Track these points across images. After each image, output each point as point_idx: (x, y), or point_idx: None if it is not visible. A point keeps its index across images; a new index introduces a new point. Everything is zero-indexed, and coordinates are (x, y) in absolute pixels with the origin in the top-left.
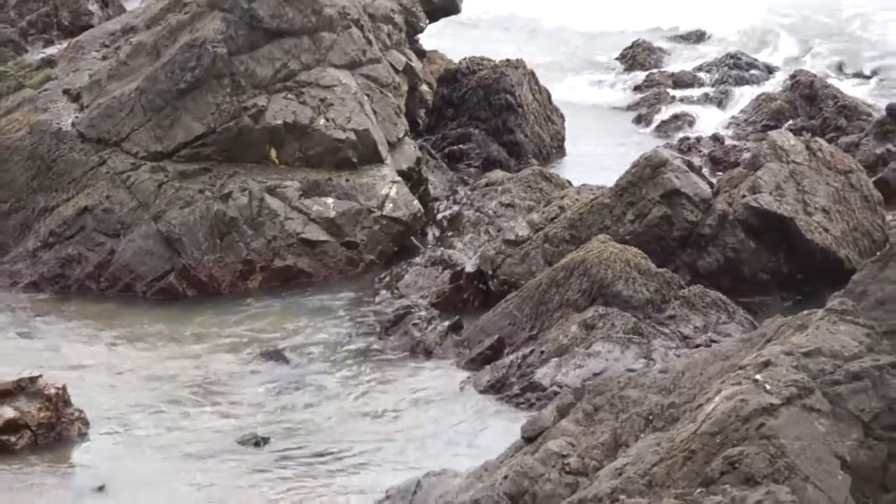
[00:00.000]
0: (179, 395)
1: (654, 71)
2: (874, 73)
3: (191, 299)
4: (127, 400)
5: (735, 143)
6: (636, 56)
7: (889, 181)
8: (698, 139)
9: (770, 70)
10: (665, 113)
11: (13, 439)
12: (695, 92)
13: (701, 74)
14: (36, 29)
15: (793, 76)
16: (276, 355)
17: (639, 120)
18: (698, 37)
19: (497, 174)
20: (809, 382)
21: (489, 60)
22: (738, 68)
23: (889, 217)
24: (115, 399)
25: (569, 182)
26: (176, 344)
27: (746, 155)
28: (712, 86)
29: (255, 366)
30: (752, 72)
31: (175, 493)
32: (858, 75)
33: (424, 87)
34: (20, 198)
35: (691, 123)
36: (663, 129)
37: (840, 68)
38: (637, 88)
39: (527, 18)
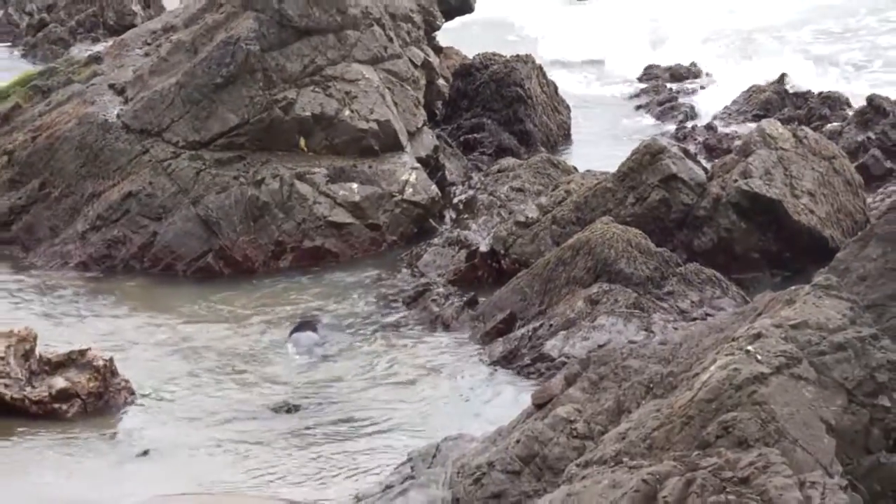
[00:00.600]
0: (217, 365)
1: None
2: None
3: (227, 277)
4: (169, 371)
5: (727, 131)
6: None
7: (869, 166)
8: (693, 128)
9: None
10: (663, 103)
11: (65, 407)
12: (690, 84)
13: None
14: (84, 28)
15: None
16: (307, 327)
17: (638, 109)
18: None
19: (508, 161)
20: (797, 353)
21: (501, 56)
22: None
23: (869, 199)
24: (158, 370)
25: (574, 168)
26: (214, 319)
27: (738, 142)
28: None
29: (286, 338)
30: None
31: (214, 457)
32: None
33: (441, 81)
34: (70, 184)
35: (687, 113)
36: (662, 118)
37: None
38: (637, 80)
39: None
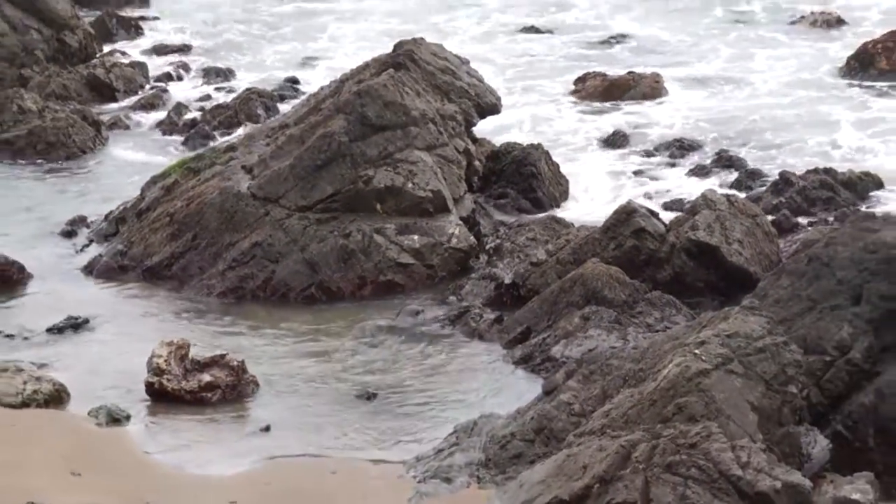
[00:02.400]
0: (319, 364)
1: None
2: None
3: (325, 303)
4: (285, 369)
5: (680, 196)
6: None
7: (781, 222)
8: (656, 192)
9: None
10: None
11: (209, 395)
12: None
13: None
14: (223, 126)
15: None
16: (382, 335)
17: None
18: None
19: (525, 219)
20: (730, 354)
21: (519, 144)
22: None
23: (782, 245)
24: (277, 368)
25: (572, 224)
26: (316, 331)
27: (688, 205)
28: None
29: (367, 344)
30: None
31: (320, 431)
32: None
33: (477, 163)
34: (213, 236)
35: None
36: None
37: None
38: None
39: None
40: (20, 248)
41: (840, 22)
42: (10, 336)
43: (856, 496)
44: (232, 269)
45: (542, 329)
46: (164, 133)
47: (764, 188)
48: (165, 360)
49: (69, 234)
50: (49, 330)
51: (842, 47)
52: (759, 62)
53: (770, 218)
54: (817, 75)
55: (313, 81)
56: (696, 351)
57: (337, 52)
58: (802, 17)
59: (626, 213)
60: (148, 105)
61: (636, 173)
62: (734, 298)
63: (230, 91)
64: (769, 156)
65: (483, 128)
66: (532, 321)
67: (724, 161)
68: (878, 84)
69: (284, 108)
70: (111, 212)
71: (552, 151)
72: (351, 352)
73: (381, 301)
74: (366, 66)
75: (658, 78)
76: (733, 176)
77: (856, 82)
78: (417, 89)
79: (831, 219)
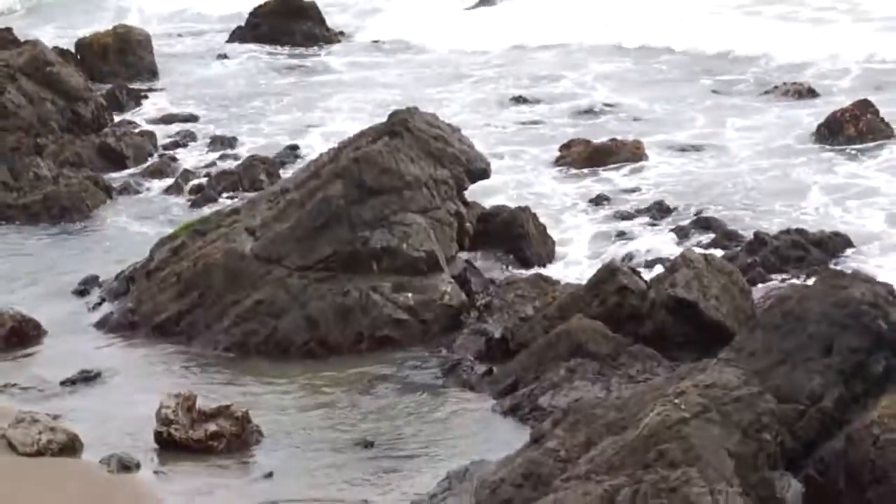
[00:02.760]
0: (318, 415)
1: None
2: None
3: (324, 356)
4: (287, 419)
5: (660, 255)
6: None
7: (755, 279)
8: (637, 252)
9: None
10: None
11: (215, 444)
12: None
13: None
14: (227, 190)
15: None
16: (378, 386)
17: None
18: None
19: (513, 277)
20: (708, 403)
21: (508, 207)
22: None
23: (756, 300)
24: (279, 418)
25: (558, 281)
26: (315, 384)
27: (667, 264)
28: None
29: (364, 395)
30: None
31: (320, 477)
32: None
33: (468, 224)
34: (218, 295)
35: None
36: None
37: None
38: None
39: None
40: (36, 306)
41: (811, 92)
42: (25, 388)
43: None
44: (236, 325)
45: (529, 380)
46: (171, 196)
47: (739, 248)
48: (173, 411)
49: (82, 292)
50: (63, 383)
51: (813, 115)
52: (734, 130)
53: (745, 277)
54: (788, 142)
55: (313, 148)
56: (676, 400)
57: (335, 120)
58: (775, 87)
59: (609, 272)
60: (156, 172)
61: (619, 234)
62: (711, 351)
63: (235, 158)
64: (744, 217)
65: (473, 191)
66: (520, 373)
67: (702, 223)
68: (847, 149)
69: (286, 173)
70: (122, 272)
71: (539, 213)
72: (349, 402)
73: (378, 354)
74: (363, 134)
75: (639, 144)
76: (710, 236)
77: (827, 147)
78: (411, 156)
79: (803, 276)
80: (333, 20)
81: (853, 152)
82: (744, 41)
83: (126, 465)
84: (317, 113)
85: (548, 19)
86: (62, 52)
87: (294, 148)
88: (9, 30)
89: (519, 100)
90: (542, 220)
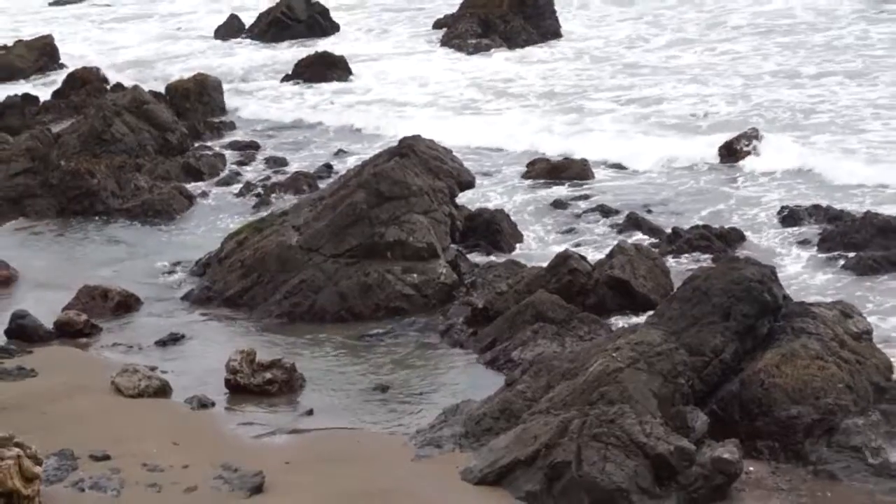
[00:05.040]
0: (348, 366)
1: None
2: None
3: (351, 322)
4: (324, 369)
5: (603, 245)
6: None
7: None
8: (585, 242)
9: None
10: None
11: (270, 388)
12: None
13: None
14: (278, 197)
15: (628, 216)
16: (390, 345)
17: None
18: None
19: (492, 262)
20: (637, 356)
21: (488, 209)
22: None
23: (673, 277)
24: (318, 369)
25: (526, 265)
26: (345, 342)
27: (607, 251)
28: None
29: (380, 351)
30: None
31: (348, 413)
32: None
33: (458, 222)
34: (273, 276)
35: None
36: (570, 235)
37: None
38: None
39: None
40: (136, 284)
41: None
42: (129, 346)
43: (726, 455)
44: (286, 298)
45: (504, 339)
46: (238, 201)
47: (660, 239)
48: (239, 363)
49: (170, 273)
50: (157, 343)
51: (713, 143)
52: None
53: (666, 259)
54: (699, 161)
55: (344, 166)
56: (614, 354)
57: (363, 146)
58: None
59: (563, 258)
60: (225, 183)
61: (570, 230)
62: (640, 317)
63: (284, 173)
64: (665, 217)
65: (462, 197)
66: (497, 334)
67: (633, 221)
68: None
69: (322, 184)
70: (200, 258)
71: (511, 214)
72: (370, 356)
73: (391, 320)
74: (379, 155)
75: (585, 163)
76: (639, 231)
77: (725, 166)
78: (416, 171)
79: (708, 260)
80: (356, 67)
81: (745, 169)
82: None
83: (203, 404)
84: (346, 141)
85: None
86: (155, 94)
87: (329, 166)
88: (114, 77)
89: None
90: (513, 218)
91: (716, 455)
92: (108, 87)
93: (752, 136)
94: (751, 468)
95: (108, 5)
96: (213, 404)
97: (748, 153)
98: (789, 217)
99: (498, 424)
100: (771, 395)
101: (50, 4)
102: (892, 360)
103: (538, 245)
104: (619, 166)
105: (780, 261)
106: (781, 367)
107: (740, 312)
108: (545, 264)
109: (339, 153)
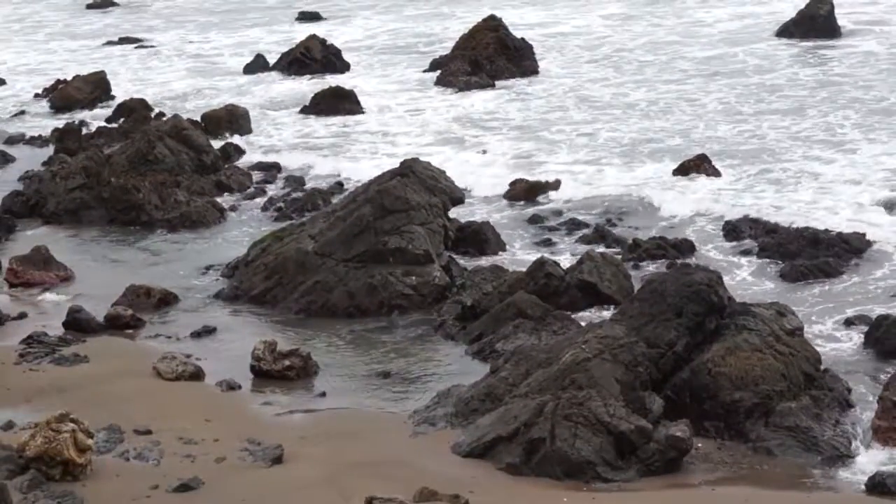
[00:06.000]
0: (356, 355)
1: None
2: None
3: (359, 316)
4: (336, 358)
5: (573, 253)
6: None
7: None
8: (559, 250)
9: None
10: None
11: (289, 373)
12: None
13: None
14: (297, 211)
15: (595, 227)
16: (392, 337)
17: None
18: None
19: (479, 267)
20: (603, 348)
21: (476, 222)
22: (573, 225)
23: (634, 281)
24: (330, 357)
25: (508, 269)
26: (354, 335)
27: (577, 258)
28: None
29: (384, 342)
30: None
31: (356, 395)
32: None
33: (450, 233)
34: (292, 277)
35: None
36: (545, 245)
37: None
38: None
39: None
40: (174, 284)
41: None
42: (168, 337)
43: (679, 434)
44: (303, 297)
45: (489, 333)
46: (262, 214)
47: (622, 249)
48: (262, 352)
49: (204, 275)
50: (192, 334)
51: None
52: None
53: (627, 265)
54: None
55: (352, 184)
56: (583, 346)
57: (369, 168)
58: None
59: (540, 263)
60: (251, 198)
61: (546, 240)
62: (606, 314)
63: (302, 190)
64: (627, 229)
65: (454, 211)
66: (483, 329)
67: (600, 232)
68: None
69: (335, 200)
70: (230, 262)
71: (495, 226)
72: (375, 347)
73: (393, 314)
74: (383, 174)
75: (558, 183)
76: (604, 242)
77: (680, 183)
78: (415, 188)
79: (663, 266)
80: (363, 100)
81: (705, 182)
82: None
83: (232, 387)
84: (359, 163)
85: None
86: (192, 121)
87: (340, 184)
88: (158, 107)
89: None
90: (497, 229)
91: (670, 433)
92: (152, 115)
93: (701, 160)
94: (699, 445)
95: (153, 46)
96: (239, 387)
97: (698, 173)
98: (732, 230)
99: (483, 406)
100: (717, 382)
101: (103, 45)
102: (819, 352)
103: (518, 252)
104: (587, 185)
105: (725, 267)
106: (726, 358)
107: (691, 311)
108: (525, 269)
109: (343, 178)
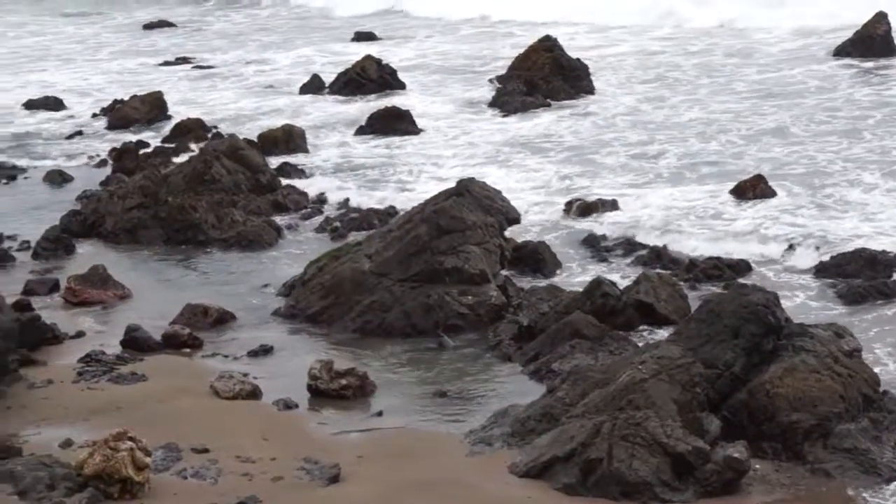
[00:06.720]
0: (413, 374)
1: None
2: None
3: (415, 337)
4: (392, 377)
5: (630, 273)
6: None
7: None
8: (615, 269)
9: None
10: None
11: (346, 393)
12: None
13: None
14: (354, 229)
15: (651, 248)
16: (448, 357)
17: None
18: None
19: (535, 287)
20: (660, 369)
21: (532, 241)
22: (630, 245)
23: (690, 301)
24: (387, 376)
25: (564, 289)
26: (410, 354)
27: (634, 278)
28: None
29: (440, 361)
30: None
31: (412, 414)
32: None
33: (507, 252)
34: (348, 296)
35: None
36: (603, 265)
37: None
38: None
39: None
40: (231, 302)
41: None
42: (225, 356)
43: (736, 455)
44: (359, 316)
45: (546, 353)
46: (318, 233)
47: (678, 269)
48: (319, 371)
49: (261, 294)
50: (249, 353)
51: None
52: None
53: (683, 285)
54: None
55: (409, 205)
56: (640, 366)
57: (424, 187)
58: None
59: (596, 283)
60: (308, 217)
61: (601, 260)
62: (662, 335)
63: (358, 210)
64: (683, 250)
65: (510, 231)
66: (540, 348)
67: (656, 252)
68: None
69: (392, 219)
70: (286, 281)
71: (552, 246)
72: (431, 366)
73: (451, 335)
74: (439, 194)
75: (615, 203)
76: (660, 262)
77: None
78: (471, 208)
79: (720, 287)
80: (418, 121)
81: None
82: None
83: (289, 405)
84: (417, 184)
85: None
86: (249, 141)
87: (393, 209)
88: (214, 127)
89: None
90: (553, 250)
91: (727, 454)
92: (209, 135)
93: (758, 180)
94: (757, 466)
95: (211, 66)
96: (296, 406)
97: (755, 194)
98: (788, 251)
99: (540, 426)
100: (774, 403)
101: (160, 65)
102: (877, 374)
103: (575, 272)
104: (642, 205)
105: (782, 287)
106: (784, 379)
107: (748, 332)
108: (581, 289)
109: (408, 195)
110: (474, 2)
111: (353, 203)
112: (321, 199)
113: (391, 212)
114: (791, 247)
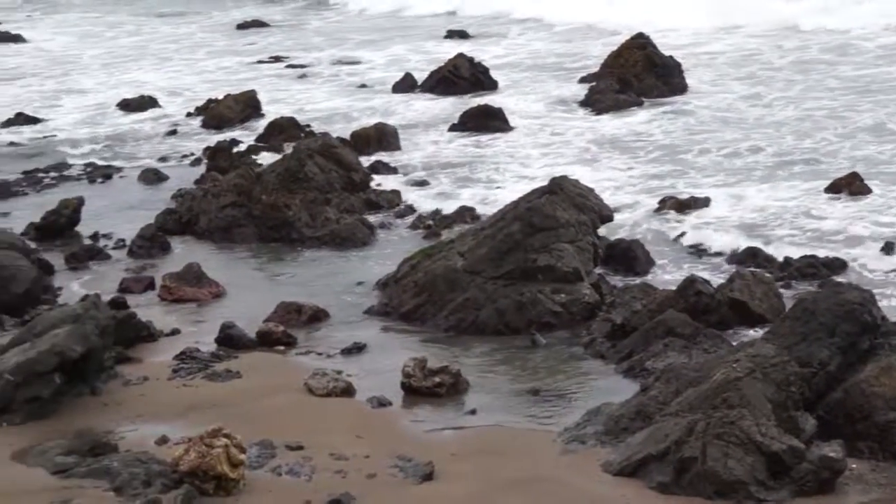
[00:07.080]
0: (505, 371)
1: None
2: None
3: (507, 336)
4: (486, 374)
5: (724, 272)
6: None
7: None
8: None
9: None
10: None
11: (439, 390)
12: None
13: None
14: (446, 228)
15: (746, 249)
16: (542, 355)
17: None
18: None
19: (628, 285)
20: (754, 367)
21: (625, 239)
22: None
23: (785, 300)
24: (480, 374)
25: (657, 288)
26: (503, 352)
27: (728, 277)
28: None
29: (533, 359)
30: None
31: (506, 412)
32: None
33: (600, 250)
34: (441, 294)
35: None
36: (698, 263)
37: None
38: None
39: None
40: (325, 301)
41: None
42: (319, 353)
43: (832, 454)
44: (452, 314)
45: (639, 351)
46: (412, 231)
47: (773, 267)
48: (412, 369)
49: (354, 291)
50: (342, 350)
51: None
52: (767, 192)
53: (778, 283)
54: (804, 199)
55: (498, 204)
56: (734, 365)
57: (515, 186)
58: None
59: (690, 281)
60: (401, 215)
61: (694, 259)
62: (757, 333)
63: (451, 207)
64: (777, 248)
65: (603, 229)
66: (633, 347)
67: (750, 251)
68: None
69: (483, 217)
70: (380, 279)
71: (645, 244)
72: (524, 364)
73: (543, 333)
74: (532, 192)
75: (708, 201)
76: (755, 260)
77: (832, 201)
78: (564, 206)
79: (815, 285)
80: (511, 118)
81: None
82: None
83: (382, 403)
84: (503, 175)
85: None
86: (342, 139)
87: (476, 212)
88: (307, 125)
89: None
90: (647, 247)
91: (823, 453)
92: (302, 133)
93: (853, 178)
94: (853, 465)
95: (304, 65)
96: (390, 403)
97: (850, 191)
98: (886, 249)
99: (634, 424)
100: (871, 402)
101: (254, 64)
102: None
103: (668, 270)
104: (736, 203)
105: (879, 286)
106: (880, 378)
107: (844, 330)
108: (674, 287)
109: (495, 188)
110: (578, 9)
111: (446, 200)
112: (414, 197)
113: (474, 215)
114: (887, 245)
